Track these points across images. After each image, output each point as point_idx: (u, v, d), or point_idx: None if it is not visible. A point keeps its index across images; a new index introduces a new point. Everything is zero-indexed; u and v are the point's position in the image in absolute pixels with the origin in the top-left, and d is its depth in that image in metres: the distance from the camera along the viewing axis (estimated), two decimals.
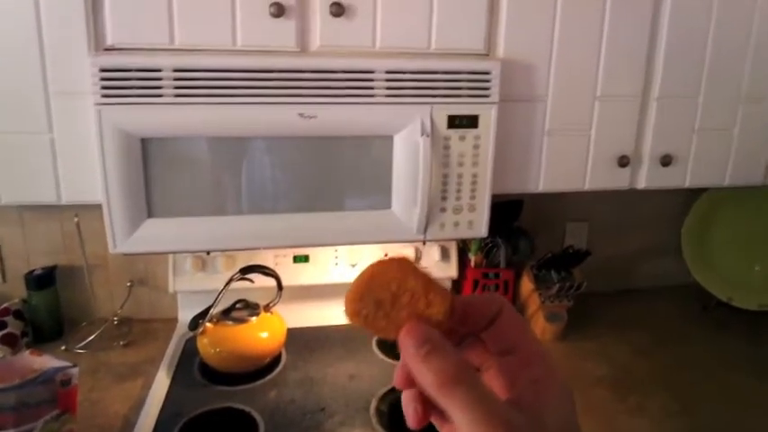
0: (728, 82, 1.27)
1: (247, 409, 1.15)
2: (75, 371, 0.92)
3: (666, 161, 1.27)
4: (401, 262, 0.29)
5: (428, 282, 0.28)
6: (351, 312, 0.29)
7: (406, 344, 0.27)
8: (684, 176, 1.31)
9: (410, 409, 0.28)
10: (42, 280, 1.37)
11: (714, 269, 1.68)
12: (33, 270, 1.38)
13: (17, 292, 1.40)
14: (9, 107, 0.99)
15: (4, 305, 1.35)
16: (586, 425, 0.99)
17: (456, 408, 0.25)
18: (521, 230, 1.44)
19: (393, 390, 1.22)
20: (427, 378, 0.26)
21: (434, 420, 0.29)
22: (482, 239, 1.40)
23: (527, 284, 1.49)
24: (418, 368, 0.26)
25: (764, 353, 1.46)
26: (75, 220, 1.33)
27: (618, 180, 1.27)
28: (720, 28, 1.22)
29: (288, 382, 1.25)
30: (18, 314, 1.36)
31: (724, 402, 1.26)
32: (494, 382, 0.30)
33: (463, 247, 1.52)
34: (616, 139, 1.23)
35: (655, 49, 1.21)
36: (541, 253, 1.48)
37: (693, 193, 1.66)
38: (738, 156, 1.33)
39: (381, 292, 0.28)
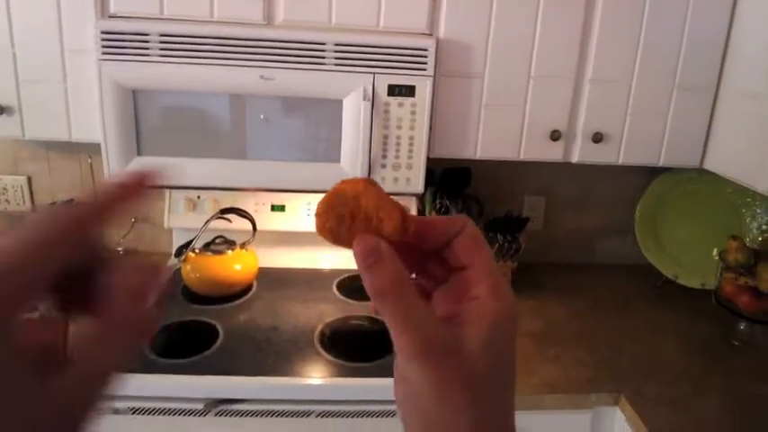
0: (662, 69, 1.39)
1: (213, 322, 1.38)
2: None
3: (598, 138, 1.41)
4: (357, 183, 0.31)
5: (380, 202, 0.30)
6: (318, 225, 0.31)
7: (356, 253, 0.29)
8: (617, 154, 1.45)
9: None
10: None
11: (663, 248, 1.79)
12: (54, 202, 1.65)
13: None
14: (34, 60, 1.24)
15: None
16: None
17: (384, 316, 0.28)
18: (472, 197, 1.60)
19: (338, 318, 1.42)
20: (367, 286, 0.29)
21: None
22: (435, 203, 1.57)
23: None
24: (363, 276, 0.29)
25: (694, 326, 1.55)
26: (89, 161, 1.59)
27: (551, 153, 1.42)
28: (654, 16, 1.33)
29: (252, 307, 1.48)
30: None
31: (638, 360, 1.38)
32: (445, 295, 0.32)
33: (422, 209, 1.70)
34: (549, 115, 1.39)
35: (588, 34, 1.35)
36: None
37: (653, 176, 1.76)
38: (672, 138, 1.45)
39: (341, 209, 0.30)
